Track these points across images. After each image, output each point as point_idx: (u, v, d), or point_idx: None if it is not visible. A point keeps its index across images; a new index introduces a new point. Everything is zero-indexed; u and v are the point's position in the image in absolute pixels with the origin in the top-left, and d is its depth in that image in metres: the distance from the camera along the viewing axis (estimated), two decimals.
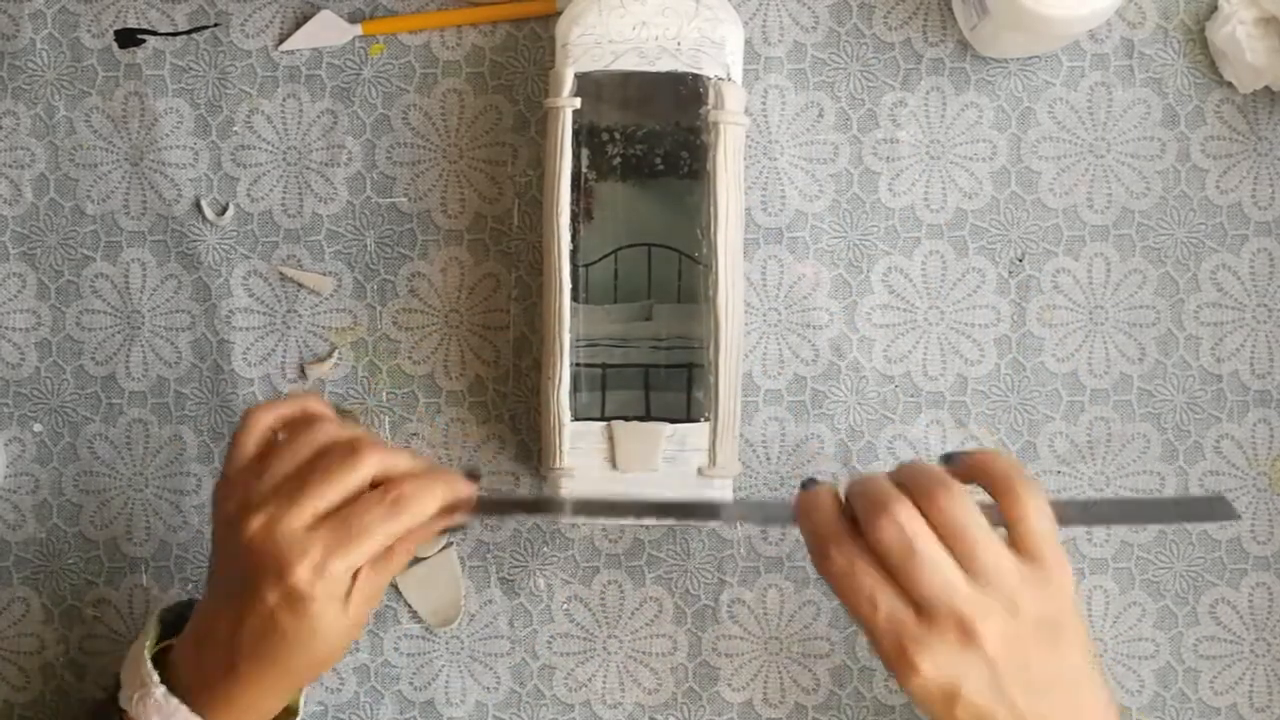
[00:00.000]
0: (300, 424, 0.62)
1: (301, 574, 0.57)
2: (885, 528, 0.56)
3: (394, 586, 0.75)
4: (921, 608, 0.56)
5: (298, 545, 0.58)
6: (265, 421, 0.63)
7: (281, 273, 0.75)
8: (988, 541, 0.57)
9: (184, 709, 0.61)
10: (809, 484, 0.60)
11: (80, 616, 0.76)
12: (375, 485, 0.60)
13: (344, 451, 0.60)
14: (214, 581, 0.63)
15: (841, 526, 0.58)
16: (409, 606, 0.75)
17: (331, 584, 0.58)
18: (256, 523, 0.58)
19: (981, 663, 0.56)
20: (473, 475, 0.61)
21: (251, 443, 0.62)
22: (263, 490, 0.59)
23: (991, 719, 0.57)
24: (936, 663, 0.56)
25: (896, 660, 0.57)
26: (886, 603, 0.56)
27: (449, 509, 0.61)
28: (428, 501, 0.60)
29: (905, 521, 0.56)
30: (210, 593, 0.63)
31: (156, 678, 0.61)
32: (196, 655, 0.62)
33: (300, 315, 0.76)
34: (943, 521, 0.57)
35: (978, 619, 0.56)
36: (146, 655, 0.62)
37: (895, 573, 0.56)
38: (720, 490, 0.69)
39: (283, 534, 0.58)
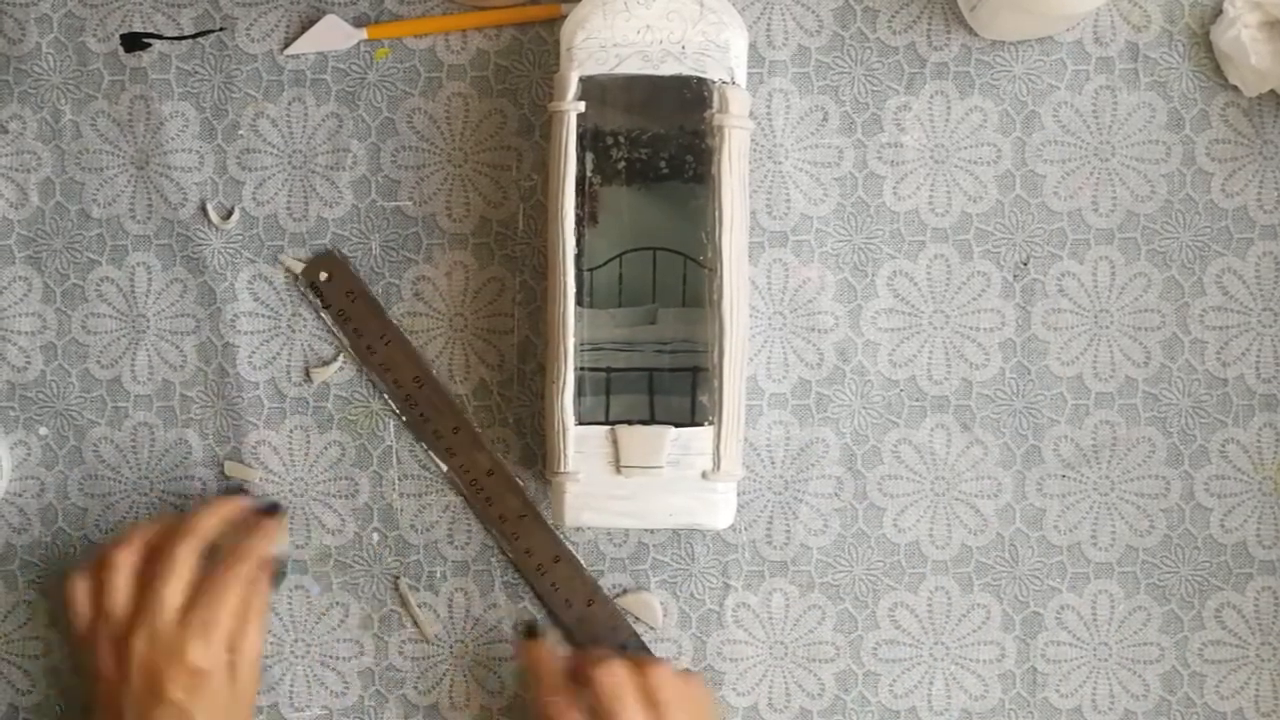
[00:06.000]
0: (105, 564, 0.68)
1: (196, 653, 0.65)
2: (604, 675, 0.67)
3: (398, 594, 0.75)
4: None
5: (180, 636, 0.65)
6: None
7: (286, 267, 0.75)
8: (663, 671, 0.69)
9: None
10: (531, 632, 0.72)
11: None
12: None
13: (165, 550, 0.67)
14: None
15: (562, 679, 0.68)
16: (410, 615, 0.75)
17: (219, 653, 0.65)
18: (139, 642, 0.65)
19: None
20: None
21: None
22: (121, 618, 0.66)
23: None
24: None
25: None
26: None
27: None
28: (253, 551, 0.68)
29: (620, 673, 0.67)
30: None
31: None
32: None
33: (305, 319, 0.76)
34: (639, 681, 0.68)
35: None
36: None
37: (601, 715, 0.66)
38: (724, 494, 0.69)
39: (162, 636, 0.65)
